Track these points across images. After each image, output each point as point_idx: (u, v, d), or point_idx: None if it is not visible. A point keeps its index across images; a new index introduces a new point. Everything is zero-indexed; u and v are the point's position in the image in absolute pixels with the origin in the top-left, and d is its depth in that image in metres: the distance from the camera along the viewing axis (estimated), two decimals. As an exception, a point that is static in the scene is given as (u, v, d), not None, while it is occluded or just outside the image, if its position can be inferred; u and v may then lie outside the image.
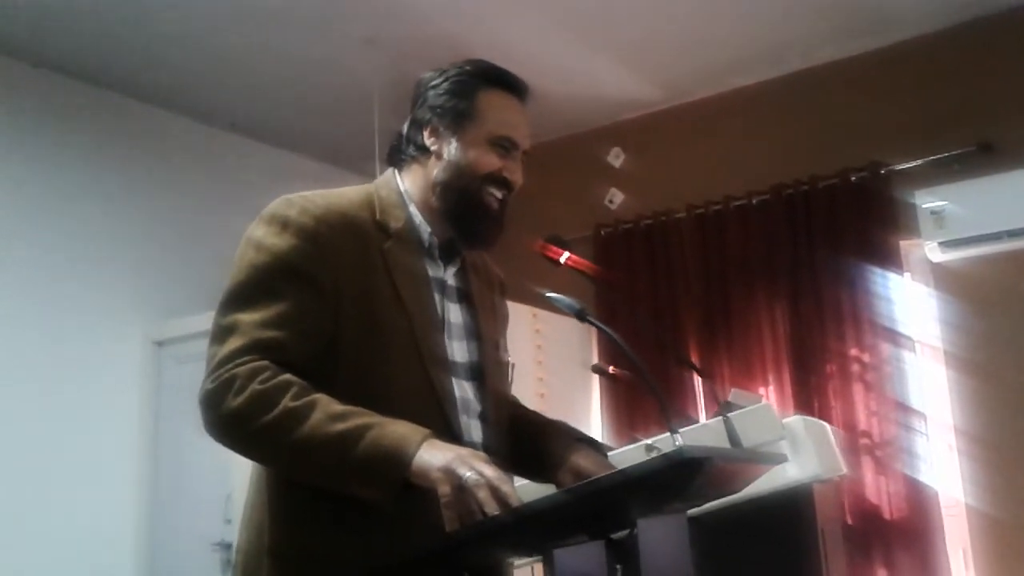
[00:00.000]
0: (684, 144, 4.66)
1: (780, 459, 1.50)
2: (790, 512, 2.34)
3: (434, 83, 1.66)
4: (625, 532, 1.35)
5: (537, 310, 4.15)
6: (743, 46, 4.21)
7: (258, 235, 1.52)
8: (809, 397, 4.02)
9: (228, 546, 3.73)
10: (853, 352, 3.97)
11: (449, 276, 1.67)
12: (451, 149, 1.63)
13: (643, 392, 4.14)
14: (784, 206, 4.23)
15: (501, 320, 1.81)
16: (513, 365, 1.79)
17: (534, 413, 1.84)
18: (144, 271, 4.28)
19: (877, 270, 3.96)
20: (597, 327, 1.56)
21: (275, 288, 1.47)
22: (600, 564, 1.35)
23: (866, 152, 4.06)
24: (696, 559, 1.46)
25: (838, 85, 4.25)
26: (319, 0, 3.71)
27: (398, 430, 1.37)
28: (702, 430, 2.33)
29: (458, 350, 1.62)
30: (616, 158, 4.83)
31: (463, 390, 1.59)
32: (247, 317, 1.45)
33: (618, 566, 1.35)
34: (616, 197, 4.79)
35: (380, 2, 3.73)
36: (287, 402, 1.38)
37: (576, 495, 1.28)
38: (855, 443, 3.86)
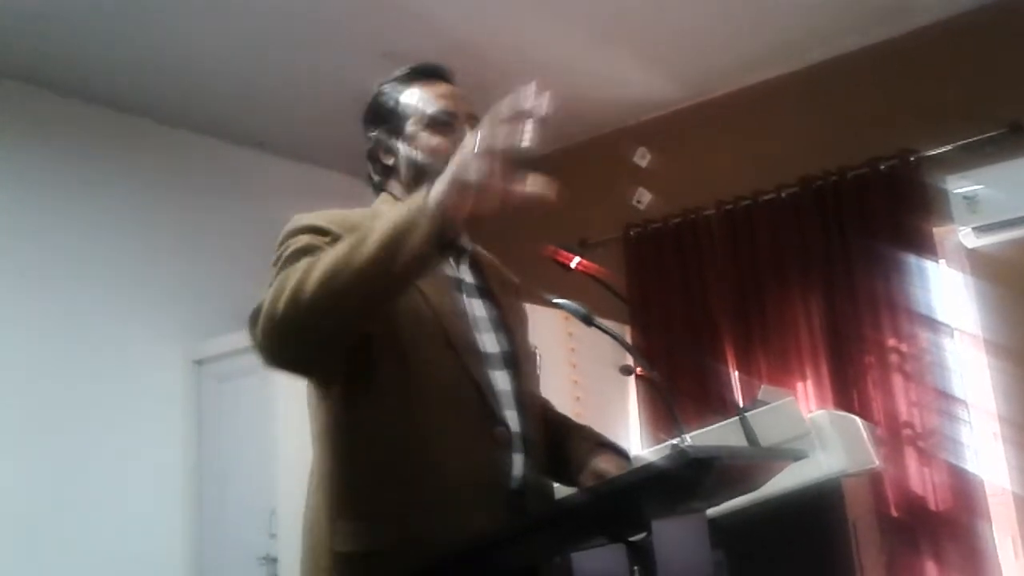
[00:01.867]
0: (710, 141, 4.63)
1: (796, 455, 1.49)
2: (819, 507, 2.33)
3: (365, 116, 1.78)
4: (643, 534, 1.36)
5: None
6: (764, 40, 4.17)
7: (284, 254, 1.54)
8: (848, 389, 3.96)
9: (274, 560, 3.78)
10: (891, 342, 3.90)
11: (464, 274, 1.70)
12: (401, 154, 1.71)
13: (679, 391, 4.13)
14: (814, 198, 4.18)
15: (522, 320, 1.83)
16: (540, 356, 1.81)
17: (561, 416, 1.86)
18: (182, 291, 4.36)
19: (911, 258, 3.88)
20: (604, 331, 1.57)
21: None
22: (618, 565, 1.36)
23: (894, 140, 3.99)
24: (719, 558, 1.45)
25: (862, 74, 4.19)
26: (338, 16, 3.76)
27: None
28: (723, 429, 2.32)
29: (488, 341, 1.64)
30: (642, 158, 4.81)
31: (496, 380, 1.60)
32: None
33: (635, 568, 1.35)
34: (644, 197, 4.76)
35: (398, 15, 3.76)
36: (304, 267, 1.36)
37: (589, 497, 1.30)
38: (897, 434, 3.79)
